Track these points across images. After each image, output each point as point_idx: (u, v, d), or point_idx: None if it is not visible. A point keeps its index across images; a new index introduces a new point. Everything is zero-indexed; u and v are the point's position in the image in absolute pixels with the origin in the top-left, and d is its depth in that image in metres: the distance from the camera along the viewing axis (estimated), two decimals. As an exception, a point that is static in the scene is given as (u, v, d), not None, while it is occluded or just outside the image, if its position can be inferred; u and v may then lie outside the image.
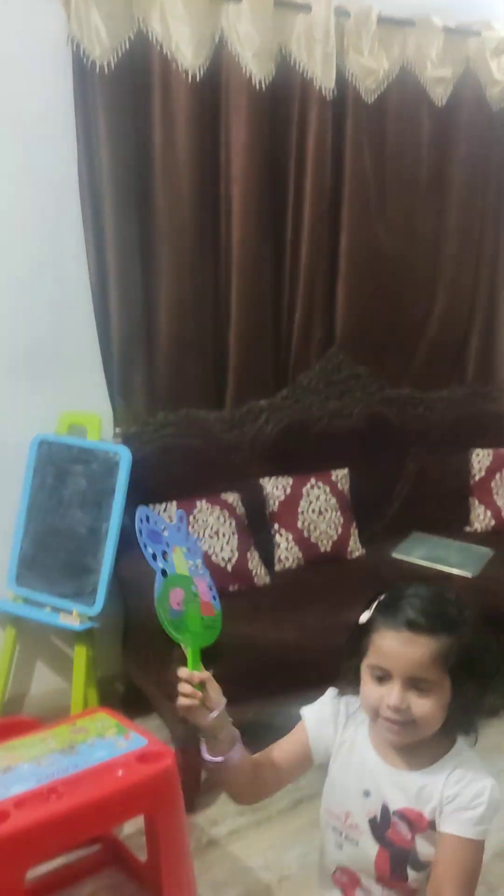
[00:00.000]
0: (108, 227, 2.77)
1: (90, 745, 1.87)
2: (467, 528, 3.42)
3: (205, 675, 1.26)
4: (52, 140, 2.69)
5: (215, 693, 1.26)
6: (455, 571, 2.96)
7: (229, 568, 2.81)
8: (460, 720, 1.14)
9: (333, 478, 3.16)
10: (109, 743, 1.88)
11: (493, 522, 3.38)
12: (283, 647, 2.53)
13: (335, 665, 2.55)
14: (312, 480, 3.11)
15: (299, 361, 3.26)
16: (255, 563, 2.90)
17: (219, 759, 1.24)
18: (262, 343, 3.17)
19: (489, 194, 3.52)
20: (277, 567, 3.02)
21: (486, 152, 3.44)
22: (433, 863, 1.12)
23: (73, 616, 2.62)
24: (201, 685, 1.24)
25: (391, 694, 1.13)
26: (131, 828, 2.31)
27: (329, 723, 1.27)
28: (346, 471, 3.22)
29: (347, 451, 3.28)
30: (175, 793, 1.81)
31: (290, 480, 3.10)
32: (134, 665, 2.80)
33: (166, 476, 2.95)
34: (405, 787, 1.15)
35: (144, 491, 2.84)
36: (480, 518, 3.41)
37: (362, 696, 1.18)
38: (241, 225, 3.00)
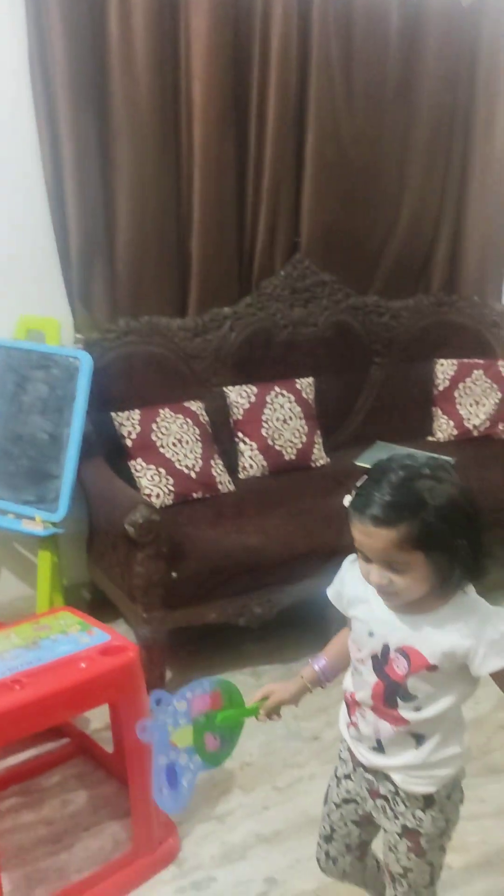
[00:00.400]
0: (63, 124, 2.66)
1: (53, 640, 1.90)
2: (430, 438, 3.45)
3: (263, 710, 1.45)
4: None
5: (282, 697, 1.44)
6: (416, 478, 2.99)
7: (193, 475, 2.83)
8: (448, 580, 1.21)
9: (298, 386, 3.16)
10: (73, 638, 1.91)
11: (455, 432, 3.42)
12: (247, 551, 2.57)
13: (298, 568, 2.63)
14: (277, 389, 3.11)
15: (264, 268, 3.21)
16: (219, 470, 2.91)
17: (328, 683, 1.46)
18: (226, 249, 3.11)
19: (460, 95, 3.43)
20: (242, 475, 3.04)
21: (455, 50, 3.33)
22: None
23: (37, 522, 2.63)
24: (272, 709, 1.45)
25: (371, 573, 1.22)
26: (99, 723, 2.37)
27: (345, 587, 1.37)
28: (310, 379, 3.21)
29: (312, 359, 3.27)
30: (138, 685, 1.85)
31: (255, 389, 3.09)
32: (99, 571, 2.83)
33: (129, 384, 2.93)
34: (406, 629, 1.25)
35: (108, 398, 2.82)
36: (443, 427, 3.44)
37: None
38: (202, 125, 2.90)
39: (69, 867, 1.88)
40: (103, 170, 2.80)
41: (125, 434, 2.80)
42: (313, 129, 3.13)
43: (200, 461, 2.86)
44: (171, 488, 2.78)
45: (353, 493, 1.22)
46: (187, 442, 2.86)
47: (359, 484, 1.22)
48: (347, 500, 1.23)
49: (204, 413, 2.98)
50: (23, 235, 2.76)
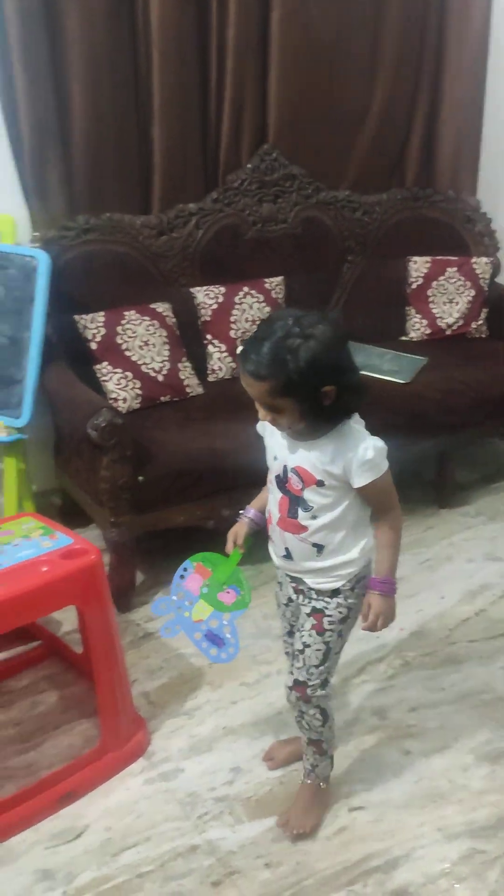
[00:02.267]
0: (8, -1, 2.47)
1: (15, 545, 1.88)
2: (403, 338, 3.39)
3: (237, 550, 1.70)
4: None
5: (242, 531, 1.72)
6: (389, 378, 2.96)
7: (160, 378, 2.77)
8: (320, 417, 1.43)
9: (267, 286, 3.06)
10: (34, 543, 1.89)
11: (428, 331, 3.36)
12: (214, 454, 2.54)
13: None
14: (245, 289, 3.01)
15: (230, 161, 3.06)
16: (187, 373, 2.85)
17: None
18: (190, 139, 2.95)
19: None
20: (210, 378, 2.98)
21: None
22: (370, 502, 1.53)
23: (0, 428, 2.58)
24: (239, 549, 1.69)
25: (259, 411, 1.46)
26: (70, 625, 2.39)
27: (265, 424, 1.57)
28: (280, 279, 3.11)
29: (282, 257, 3.16)
30: (101, 586, 1.84)
31: (223, 289, 2.99)
32: (66, 476, 2.80)
33: (92, 285, 2.83)
34: (298, 453, 1.50)
35: (70, 300, 2.72)
36: (416, 327, 3.37)
37: None
38: (159, 1, 2.70)
39: (39, 764, 1.92)
40: (53, 49, 2.61)
41: (90, 337, 2.72)
42: (278, 7, 2.92)
43: (168, 364, 2.80)
44: (139, 392, 2.72)
45: (240, 346, 1.45)
46: (154, 345, 2.79)
47: (246, 339, 1.43)
48: (238, 351, 1.45)
49: (171, 315, 2.90)
50: (-30, 125, 2.61)
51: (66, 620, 2.42)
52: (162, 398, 2.79)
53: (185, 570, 1.65)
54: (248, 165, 3.06)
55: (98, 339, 2.72)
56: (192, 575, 1.64)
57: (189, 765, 1.92)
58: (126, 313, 2.78)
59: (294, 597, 1.68)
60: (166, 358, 2.80)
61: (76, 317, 2.73)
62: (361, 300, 3.34)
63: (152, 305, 2.86)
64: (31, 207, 2.74)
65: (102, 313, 2.75)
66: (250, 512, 1.74)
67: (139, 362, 2.75)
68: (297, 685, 1.64)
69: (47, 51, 2.60)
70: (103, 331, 2.73)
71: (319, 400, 1.40)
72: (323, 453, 1.47)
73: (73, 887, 1.61)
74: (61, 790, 1.80)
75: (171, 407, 2.78)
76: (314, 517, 1.52)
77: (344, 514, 1.52)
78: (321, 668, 1.62)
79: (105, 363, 2.72)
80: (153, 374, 2.76)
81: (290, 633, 1.74)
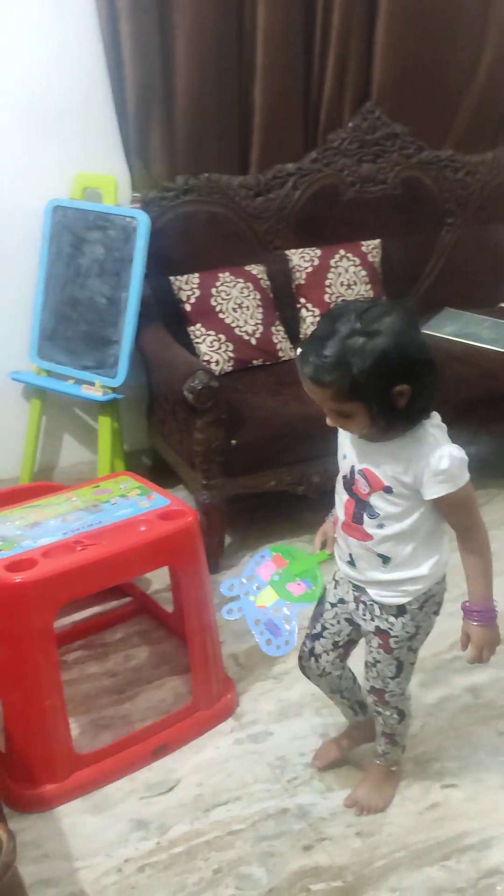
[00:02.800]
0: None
1: (114, 504, 1.91)
2: (502, 304, 3.27)
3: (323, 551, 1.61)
4: None
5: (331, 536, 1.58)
6: (489, 347, 2.87)
7: (253, 342, 2.75)
8: (393, 420, 1.30)
9: (364, 249, 3.00)
10: (133, 502, 1.92)
11: (529, 298, 3.24)
12: (307, 420, 2.51)
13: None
14: (341, 252, 2.95)
15: (331, 120, 2.98)
16: (279, 337, 2.83)
17: None
18: (291, 97, 2.88)
19: None
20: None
21: None
22: (447, 519, 1.41)
23: (96, 387, 2.61)
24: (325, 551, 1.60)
25: (326, 415, 1.37)
26: (160, 584, 2.43)
27: None
28: (377, 241, 3.04)
29: (380, 220, 3.08)
30: (196, 548, 1.86)
31: (318, 252, 2.94)
32: (159, 437, 2.83)
33: (188, 246, 2.82)
34: (367, 454, 1.38)
35: (166, 262, 2.72)
36: (517, 294, 3.26)
37: None
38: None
39: (132, 716, 1.97)
40: (160, 10, 2.58)
41: (184, 299, 2.72)
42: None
43: (261, 327, 2.78)
44: (231, 355, 2.72)
45: (300, 348, 1.31)
46: (248, 307, 2.77)
47: (305, 340, 1.32)
48: (297, 352, 1.36)
49: (265, 277, 2.87)
50: (77, 88, 2.60)
51: (155, 579, 2.46)
52: (254, 362, 2.77)
53: (262, 556, 1.58)
54: (350, 124, 2.98)
55: (192, 300, 2.72)
56: (268, 562, 1.56)
57: (278, 729, 1.93)
58: (220, 275, 2.77)
59: (352, 604, 1.55)
60: (259, 321, 2.78)
61: (171, 278, 2.73)
62: (460, 265, 3.23)
63: (247, 268, 2.84)
64: (132, 168, 2.74)
65: (197, 275, 2.74)
66: (332, 515, 1.62)
67: (232, 325, 2.73)
68: (374, 691, 1.59)
69: (155, 12, 2.56)
70: (198, 292, 2.73)
71: (392, 402, 1.26)
72: (394, 458, 1.34)
73: (166, 839, 1.65)
74: (155, 743, 1.84)
75: (264, 371, 2.77)
76: (381, 525, 1.40)
77: (415, 526, 1.39)
78: (397, 679, 1.55)
79: (198, 325, 2.72)
80: (246, 338, 2.75)
81: (317, 637, 1.63)
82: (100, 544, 1.72)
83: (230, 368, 2.72)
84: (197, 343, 2.70)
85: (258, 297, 2.81)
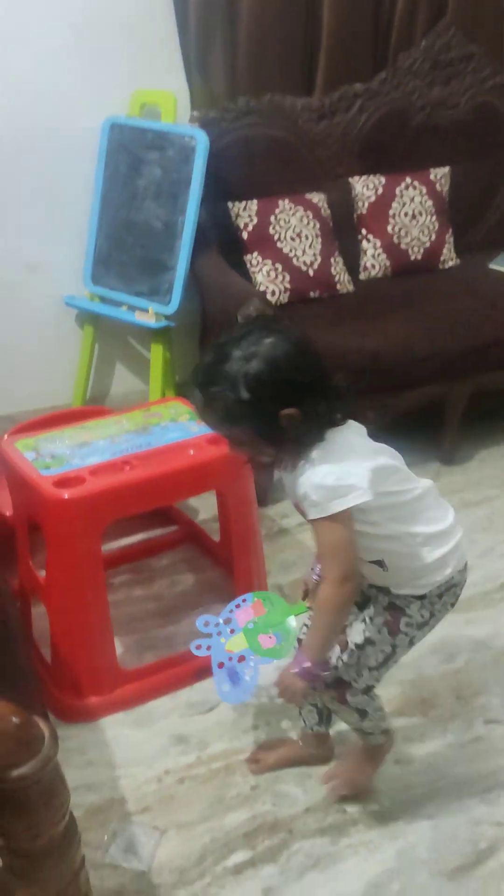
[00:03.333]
0: None
1: (163, 427, 1.90)
2: None
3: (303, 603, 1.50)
4: None
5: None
6: None
7: (311, 273, 2.68)
8: (286, 443, 1.22)
9: (432, 177, 2.87)
10: (182, 426, 1.90)
11: None
12: (364, 353, 2.45)
13: (416, 373, 2.51)
14: (408, 180, 2.84)
15: (402, 39, 2.84)
16: (338, 269, 2.75)
17: None
18: (361, 16, 2.75)
19: None
20: (362, 275, 2.86)
21: None
22: None
23: (149, 314, 2.59)
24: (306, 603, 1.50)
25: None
26: (206, 514, 2.43)
27: None
28: (446, 170, 2.91)
29: (450, 147, 2.95)
30: (244, 475, 1.84)
31: (383, 180, 2.83)
32: (212, 367, 2.79)
33: (247, 171, 2.74)
34: (288, 488, 1.30)
35: (224, 186, 2.65)
36: None
37: None
38: None
39: (176, 639, 1.99)
40: None
41: (241, 226, 2.65)
42: None
43: (319, 258, 2.70)
44: (288, 286, 2.65)
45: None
46: (307, 237, 2.69)
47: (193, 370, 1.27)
48: None
49: (326, 206, 2.78)
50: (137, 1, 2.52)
51: (203, 509, 2.46)
52: (311, 294, 2.71)
53: (243, 600, 1.52)
54: (422, 44, 2.83)
55: (250, 227, 2.65)
56: (247, 608, 1.50)
57: (321, 657, 1.93)
58: (280, 202, 2.69)
59: (367, 591, 1.44)
60: (318, 251, 2.70)
61: (229, 203, 2.66)
62: (531, 197, 3.08)
63: (307, 195, 2.75)
64: (192, 85, 2.66)
65: (256, 201, 2.67)
66: (317, 569, 1.49)
67: (290, 254, 2.66)
68: (338, 686, 1.43)
69: None
70: (255, 220, 2.66)
71: (281, 426, 1.19)
72: (297, 484, 1.24)
73: (206, 754, 1.67)
74: (197, 664, 1.86)
75: (320, 303, 2.70)
76: None
77: (376, 537, 1.28)
78: (375, 672, 1.41)
79: (255, 253, 2.65)
80: (304, 268, 2.68)
81: None
82: (147, 465, 1.71)
83: (286, 300, 2.66)
84: (253, 272, 2.64)
85: (317, 226, 2.72)
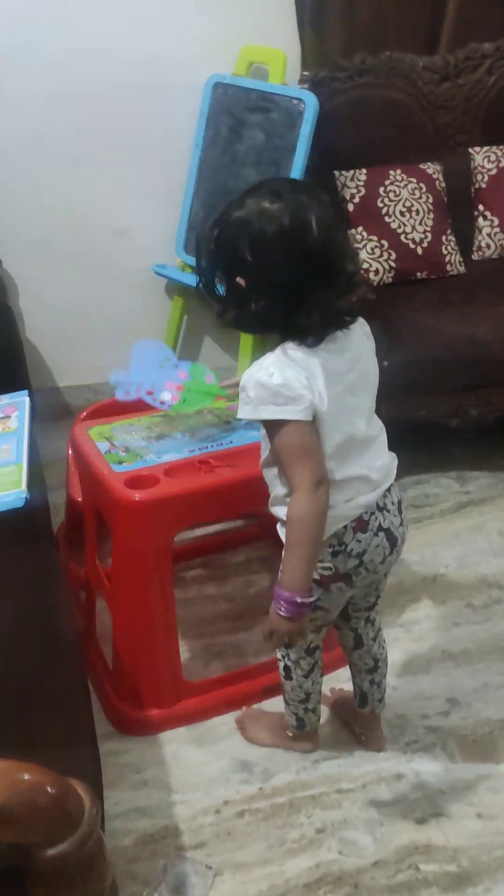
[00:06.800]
0: None
1: (246, 422, 1.74)
2: None
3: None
4: None
5: None
6: None
7: (419, 251, 2.46)
8: (249, 319, 1.13)
9: None
10: (268, 423, 1.74)
11: None
12: (471, 344, 2.24)
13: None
14: (535, 153, 2.56)
15: (541, -8, 2.54)
16: (450, 248, 2.51)
17: None
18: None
19: None
20: (475, 255, 2.62)
21: None
22: None
23: (242, 289, 2.42)
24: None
25: None
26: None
27: None
28: None
29: None
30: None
31: (507, 151, 2.57)
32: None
33: (357, 137, 2.53)
34: None
35: (330, 153, 2.45)
36: None
37: None
38: None
39: (246, 647, 1.86)
40: None
41: (347, 197, 2.45)
42: None
43: (430, 235, 2.47)
44: (393, 264, 2.44)
45: None
46: (418, 212, 2.47)
47: None
48: None
49: (441, 178, 2.54)
50: None
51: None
52: (418, 274, 2.49)
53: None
54: None
55: (357, 199, 2.45)
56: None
57: (401, 683, 1.77)
58: (391, 172, 2.47)
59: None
60: (429, 228, 2.47)
61: (336, 172, 2.46)
62: None
63: (421, 165, 2.52)
64: (304, 42, 2.44)
65: (365, 170, 2.46)
66: None
67: (398, 230, 2.45)
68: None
69: None
70: (363, 191, 2.45)
71: (233, 294, 1.11)
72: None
73: (269, 786, 1.54)
74: (267, 681, 1.73)
75: (427, 285, 2.48)
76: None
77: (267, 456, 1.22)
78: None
79: (360, 228, 2.45)
80: (412, 246, 2.46)
81: None
82: (227, 467, 1.57)
83: (390, 280, 2.45)
84: (357, 248, 2.43)
85: (430, 200, 2.49)
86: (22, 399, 1.78)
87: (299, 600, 1.16)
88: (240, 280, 1.10)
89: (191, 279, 2.54)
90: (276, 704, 1.68)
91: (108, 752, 1.60)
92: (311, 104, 2.20)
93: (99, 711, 1.68)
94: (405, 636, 1.89)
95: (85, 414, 2.06)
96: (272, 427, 1.15)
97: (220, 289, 1.15)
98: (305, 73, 2.43)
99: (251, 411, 1.14)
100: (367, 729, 1.61)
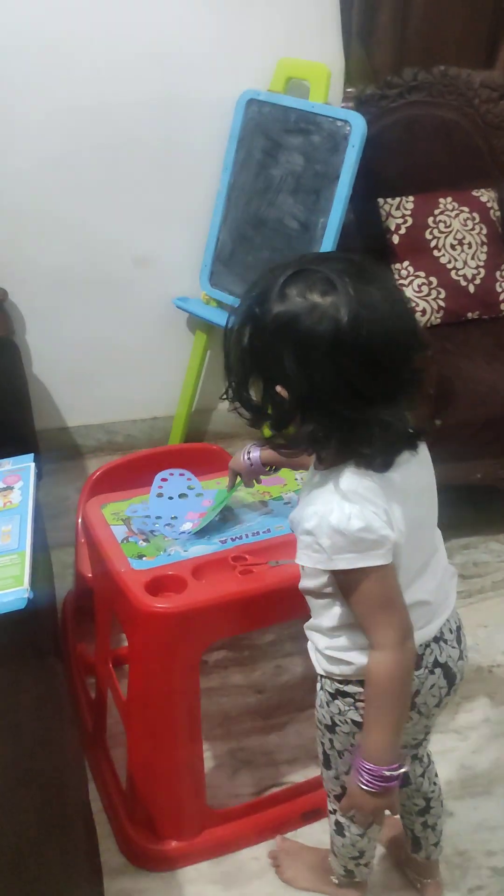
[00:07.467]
0: None
1: (287, 503, 1.50)
2: None
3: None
4: None
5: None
6: None
7: (471, 289, 2.22)
8: (303, 435, 0.90)
9: None
10: (310, 502, 1.50)
11: None
12: (532, 399, 1.99)
13: None
14: None
15: None
16: (504, 286, 2.27)
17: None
18: None
19: None
20: (533, 294, 2.37)
21: None
22: None
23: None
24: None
25: None
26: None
27: None
28: None
29: None
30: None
31: None
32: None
33: (405, 161, 2.29)
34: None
35: (374, 179, 2.19)
36: None
37: None
38: None
39: (279, 753, 1.62)
40: None
41: (392, 228, 2.21)
42: None
43: (483, 272, 2.23)
44: (442, 304, 2.20)
45: None
46: (470, 245, 2.23)
47: None
48: None
49: (496, 207, 2.30)
50: None
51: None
52: (469, 314, 2.25)
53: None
54: None
55: (403, 230, 2.21)
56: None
57: (460, 809, 1.52)
58: (441, 200, 2.23)
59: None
60: (482, 263, 2.24)
61: (380, 200, 2.22)
62: None
63: (475, 193, 2.28)
64: (349, 56, 2.19)
65: (412, 198, 2.22)
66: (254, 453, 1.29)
67: (448, 265, 2.21)
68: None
69: None
70: (410, 220, 2.21)
71: (272, 406, 0.90)
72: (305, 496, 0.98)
73: None
74: (306, 804, 1.49)
75: (479, 327, 2.25)
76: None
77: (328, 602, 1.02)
78: (328, 772, 1.18)
79: (406, 262, 2.21)
80: (463, 283, 2.22)
81: None
82: (265, 563, 1.32)
83: (438, 321, 2.21)
84: (402, 286, 2.19)
85: (484, 231, 2.25)
86: (27, 465, 1.55)
87: (387, 773, 0.96)
88: (280, 390, 0.88)
89: (215, 315, 2.30)
90: (316, 832, 1.45)
91: (118, 892, 1.36)
92: (358, 127, 1.95)
93: (108, 837, 1.44)
94: (461, 746, 1.65)
95: (97, 475, 1.82)
96: (348, 576, 0.92)
97: (253, 394, 0.92)
98: (349, 89, 2.18)
99: (324, 561, 0.92)
100: (422, 876, 1.37)
